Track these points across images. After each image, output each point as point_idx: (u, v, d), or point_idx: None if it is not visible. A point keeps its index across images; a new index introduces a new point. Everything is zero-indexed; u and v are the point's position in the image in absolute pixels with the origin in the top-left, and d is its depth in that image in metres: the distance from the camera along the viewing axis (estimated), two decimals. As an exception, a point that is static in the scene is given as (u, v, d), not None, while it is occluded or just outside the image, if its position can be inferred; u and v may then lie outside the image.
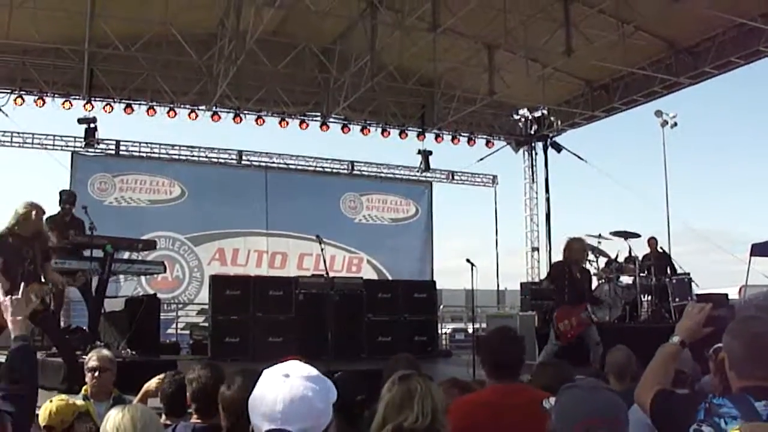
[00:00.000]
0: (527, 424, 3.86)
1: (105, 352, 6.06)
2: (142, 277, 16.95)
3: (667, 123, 22.30)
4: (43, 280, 8.70)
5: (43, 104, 18.00)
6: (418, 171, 22.68)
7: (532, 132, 23.01)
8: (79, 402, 5.27)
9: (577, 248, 11.90)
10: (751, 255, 15.45)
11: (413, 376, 3.50)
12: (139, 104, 18.69)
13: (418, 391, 3.28)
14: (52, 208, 11.00)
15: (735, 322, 3.13)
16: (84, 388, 5.62)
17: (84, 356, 6.91)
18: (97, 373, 5.63)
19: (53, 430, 4.56)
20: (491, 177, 23.97)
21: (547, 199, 22.77)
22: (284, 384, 2.24)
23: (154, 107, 18.74)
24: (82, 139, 18.86)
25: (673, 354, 3.43)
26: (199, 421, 4.20)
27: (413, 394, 3.27)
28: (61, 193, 11.45)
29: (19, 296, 3.79)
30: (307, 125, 20.47)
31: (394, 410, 3.26)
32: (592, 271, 14.89)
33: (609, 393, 2.70)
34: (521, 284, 19.70)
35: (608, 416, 2.43)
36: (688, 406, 2.96)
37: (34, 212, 8.50)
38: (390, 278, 21.30)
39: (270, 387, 2.25)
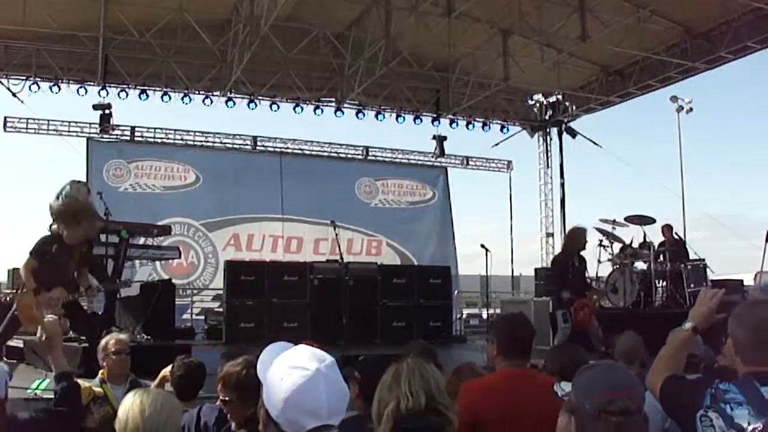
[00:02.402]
0: (537, 409, 3.88)
1: (122, 335, 6.11)
2: (157, 263, 17.06)
3: (683, 108, 22.16)
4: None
5: (59, 90, 18.08)
6: (432, 156, 22.70)
7: (547, 117, 22.94)
8: (97, 387, 5.33)
9: (580, 237, 12.26)
10: (766, 241, 15.36)
11: (404, 358, 3.54)
12: (154, 90, 18.73)
13: (404, 372, 3.30)
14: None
15: (740, 307, 3.12)
16: (101, 372, 5.67)
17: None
18: (114, 357, 5.68)
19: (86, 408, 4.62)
20: (506, 162, 23.97)
21: (562, 185, 22.74)
22: (321, 378, 2.19)
23: (169, 93, 18.82)
24: (97, 125, 18.97)
25: (685, 340, 3.43)
26: None
27: (400, 374, 3.30)
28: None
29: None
30: (322, 111, 20.45)
31: (386, 392, 3.29)
32: (606, 256, 14.92)
33: (626, 370, 2.80)
34: (536, 270, 19.66)
35: (628, 389, 2.47)
36: (695, 391, 2.97)
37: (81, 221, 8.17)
38: (414, 260, 21.48)
39: (310, 382, 2.18)
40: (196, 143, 20.74)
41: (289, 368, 2.23)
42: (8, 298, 10.14)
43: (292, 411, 2.17)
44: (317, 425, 2.16)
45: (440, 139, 22.10)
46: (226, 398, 3.93)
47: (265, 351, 2.41)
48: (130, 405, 3.22)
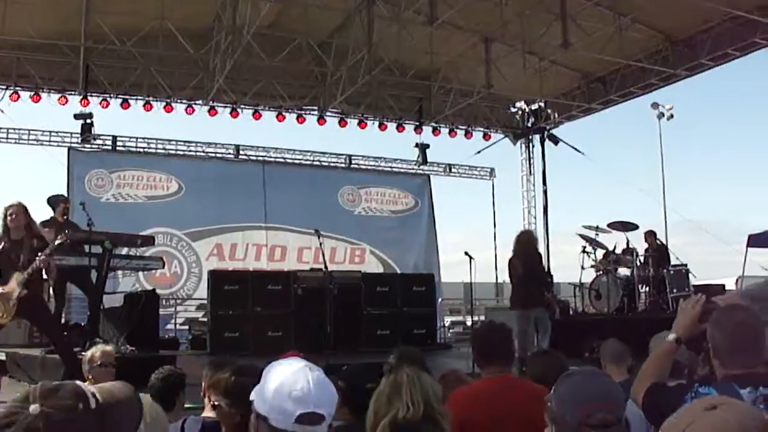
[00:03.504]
0: (521, 415, 3.91)
1: (108, 347, 6.09)
2: (140, 273, 16.99)
3: (663, 115, 22.34)
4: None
5: (39, 100, 17.89)
6: (415, 164, 22.73)
7: (529, 124, 23.00)
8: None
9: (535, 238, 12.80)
10: (747, 246, 15.52)
11: (401, 367, 3.54)
12: (136, 99, 18.63)
13: (405, 382, 3.31)
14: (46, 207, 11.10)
15: (718, 312, 3.16)
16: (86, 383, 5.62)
17: (84, 353, 6.92)
18: (101, 369, 5.65)
19: None
20: (489, 170, 24.03)
21: (545, 192, 22.63)
22: (309, 372, 2.27)
23: (151, 102, 18.71)
24: (79, 135, 18.81)
25: (669, 351, 3.44)
26: (211, 415, 4.23)
27: (400, 385, 3.30)
28: (51, 199, 11.42)
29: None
30: (305, 119, 20.44)
31: (384, 403, 3.28)
32: (590, 263, 15.02)
33: (607, 378, 2.81)
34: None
35: (609, 400, 2.49)
36: (676, 397, 3.00)
37: (10, 214, 8.28)
38: (397, 269, 21.44)
39: (295, 374, 2.26)
40: (178, 152, 20.65)
41: (278, 366, 2.34)
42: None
43: (282, 399, 2.23)
44: (304, 411, 2.20)
45: (423, 147, 22.12)
46: (216, 404, 3.92)
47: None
48: None
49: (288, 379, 2.25)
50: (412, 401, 3.22)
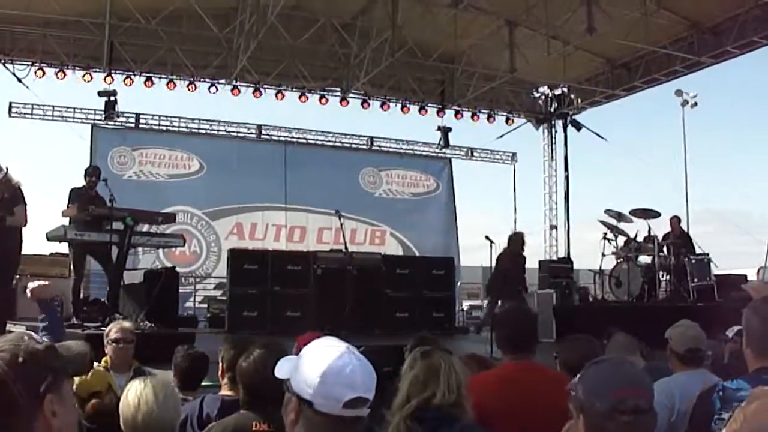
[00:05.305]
0: (541, 402, 3.88)
1: (126, 323, 6.10)
2: (160, 251, 17.05)
3: (687, 103, 22.07)
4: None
5: (64, 76, 17.98)
6: (437, 147, 22.67)
7: (552, 110, 22.88)
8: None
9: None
10: (771, 236, 15.33)
11: (435, 351, 3.53)
12: (159, 78, 18.66)
13: (442, 367, 3.32)
14: (71, 181, 11.15)
15: (758, 300, 3.11)
16: (104, 360, 5.65)
17: (104, 328, 6.96)
18: (115, 345, 5.66)
19: (98, 395, 4.65)
20: (510, 154, 23.94)
21: (566, 177, 22.58)
22: (353, 356, 2.25)
23: (174, 81, 18.70)
24: (102, 112, 18.91)
25: None
26: (230, 393, 4.24)
27: (437, 370, 3.31)
28: (87, 168, 11.51)
29: None
30: (327, 100, 20.42)
31: (419, 387, 3.28)
32: (611, 250, 14.94)
33: (635, 367, 2.73)
34: (539, 262, 19.63)
35: (640, 387, 2.44)
36: (702, 403, 2.95)
37: None
38: (416, 252, 21.51)
39: (341, 358, 2.23)
40: (200, 131, 20.71)
41: (322, 348, 2.28)
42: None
43: (330, 384, 2.19)
44: (353, 397, 2.18)
45: (445, 131, 22.07)
46: (237, 393, 3.92)
47: (282, 360, 2.40)
48: (142, 389, 3.25)
49: (338, 363, 2.22)
50: (448, 387, 3.24)
